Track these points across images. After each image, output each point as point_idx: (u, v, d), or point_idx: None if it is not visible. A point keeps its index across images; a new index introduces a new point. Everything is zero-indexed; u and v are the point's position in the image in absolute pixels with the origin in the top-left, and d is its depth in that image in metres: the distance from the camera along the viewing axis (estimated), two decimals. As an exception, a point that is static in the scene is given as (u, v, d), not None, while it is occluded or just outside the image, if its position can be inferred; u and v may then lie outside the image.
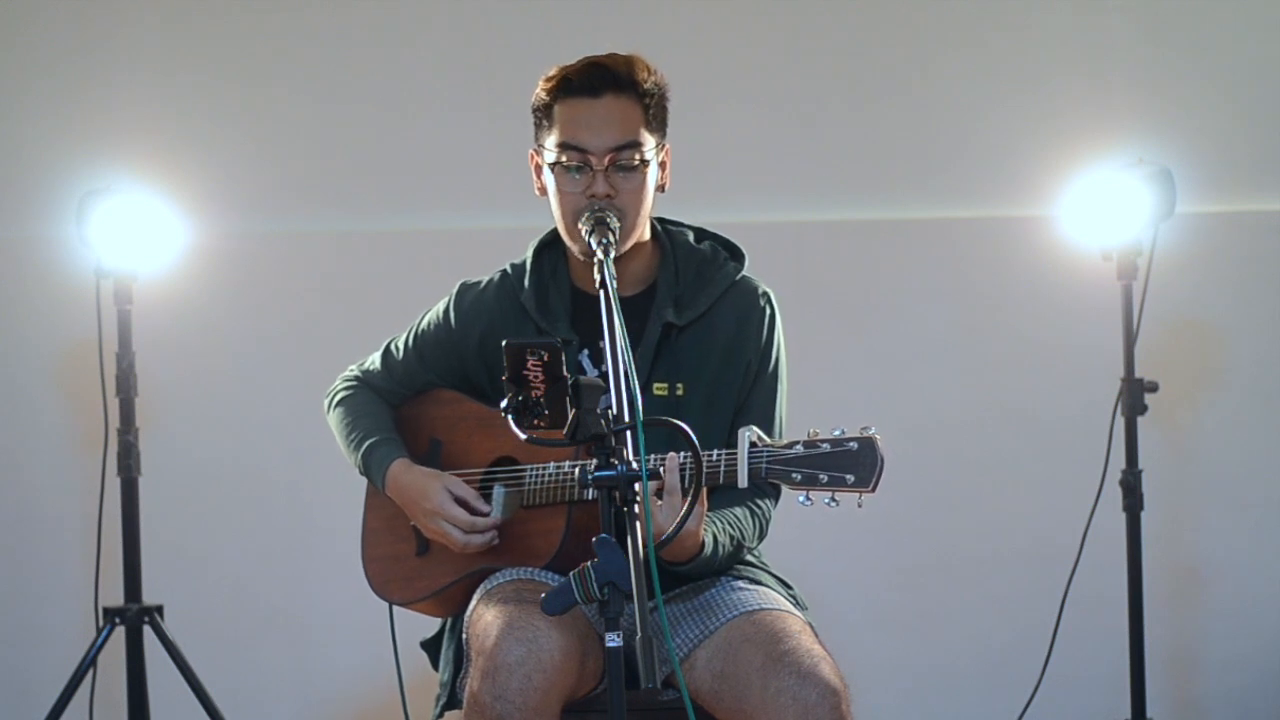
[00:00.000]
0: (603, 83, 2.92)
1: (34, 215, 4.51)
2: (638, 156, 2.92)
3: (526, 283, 3.06)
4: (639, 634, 2.36)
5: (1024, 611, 4.55)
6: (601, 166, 2.91)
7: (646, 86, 2.94)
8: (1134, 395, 4.22)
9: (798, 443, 2.67)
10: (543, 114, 2.97)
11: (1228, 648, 4.64)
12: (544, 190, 3.01)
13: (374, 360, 3.23)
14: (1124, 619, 4.24)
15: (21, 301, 4.58)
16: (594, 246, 2.80)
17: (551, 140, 2.95)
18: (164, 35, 4.60)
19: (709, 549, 2.85)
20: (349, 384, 3.24)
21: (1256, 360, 4.65)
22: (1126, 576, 4.23)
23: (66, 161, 4.47)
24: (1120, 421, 4.25)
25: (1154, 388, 4.23)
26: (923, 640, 4.63)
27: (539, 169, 3.01)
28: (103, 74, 4.57)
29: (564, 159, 2.92)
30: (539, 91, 2.97)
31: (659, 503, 2.71)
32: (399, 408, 3.20)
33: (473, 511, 2.99)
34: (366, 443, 3.12)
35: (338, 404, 3.22)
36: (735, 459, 2.69)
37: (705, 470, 2.72)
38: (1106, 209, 4.20)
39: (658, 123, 2.97)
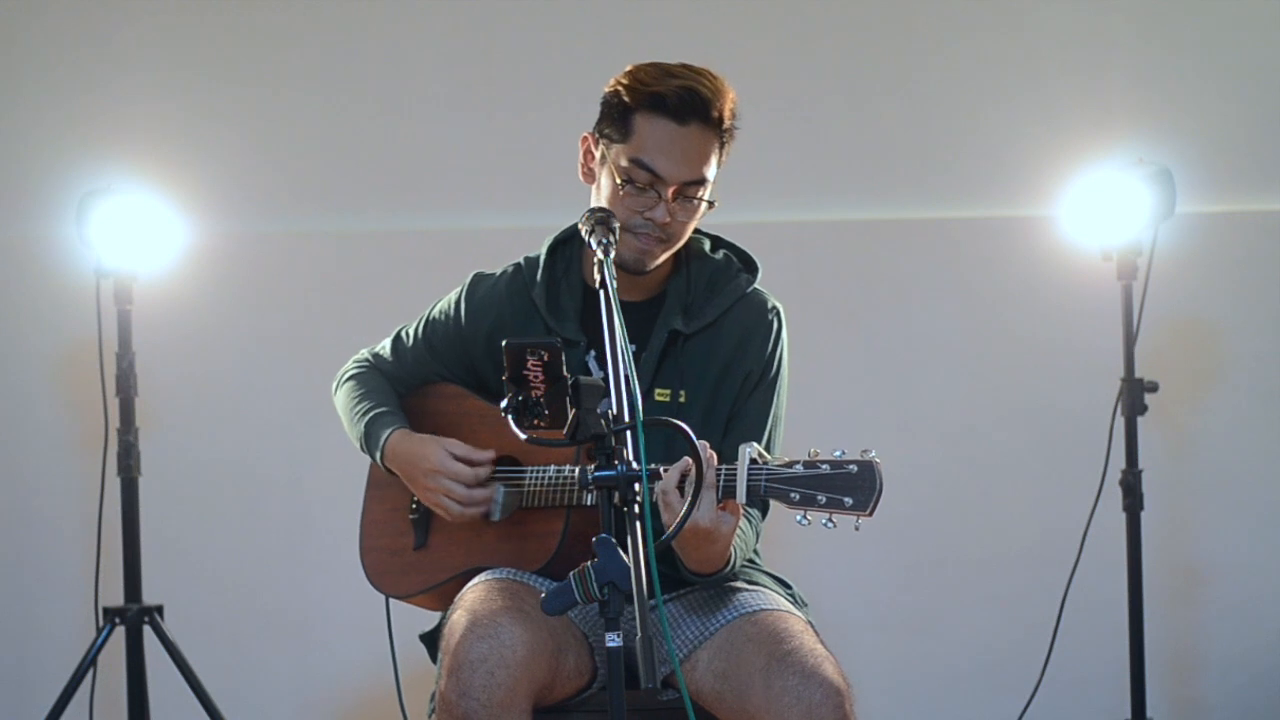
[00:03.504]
0: (693, 111, 2.89)
1: (34, 215, 4.51)
2: (702, 193, 2.92)
3: (538, 279, 3.06)
4: (639, 634, 2.36)
5: (1024, 611, 4.55)
6: (670, 197, 2.90)
7: (726, 124, 2.92)
8: (1134, 395, 4.22)
9: (797, 462, 2.66)
10: (619, 115, 2.93)
11: (1228, 648, 4.64)
12: (590, 176, 2.99)
13: (384, 346, 3.23)
14: (1124, 619, 4.24)
15: (21, 301, 4.58)
16: (594, 247, 2.79)
17: (625, 148, 2.91)
18: (164, 35, 4.60)
19: (731, 563, 2.86)
20: (360, 365, 3.24)
21: (1256, 360, 4.65)
22: (1126, 576, 4.23)
23: (66, 161, 4.47)
24: (1120, 421, 4.25)
25: (1154, 388, 4.23)
26: (923, 640, 4.63)
27: (590, 155, 2.98)
28: (103, 74, 4.57)
29: (633, 176, 2.90)
30: (620, 89, 2.92)
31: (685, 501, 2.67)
32: (403, 399, 3.20)
33: (474, 464, 2.98)
34: (369, 415, 3.11)
35: (345, 381, 3.22)
36: (735, 474, 2.68)
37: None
38: (1106, 209, 4.20)
39: (724, 158, 2.96)
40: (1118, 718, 4.29)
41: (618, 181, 2.91)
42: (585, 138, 2.99)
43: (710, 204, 2.96)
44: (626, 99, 2.91)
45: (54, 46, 4.58)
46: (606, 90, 2.95)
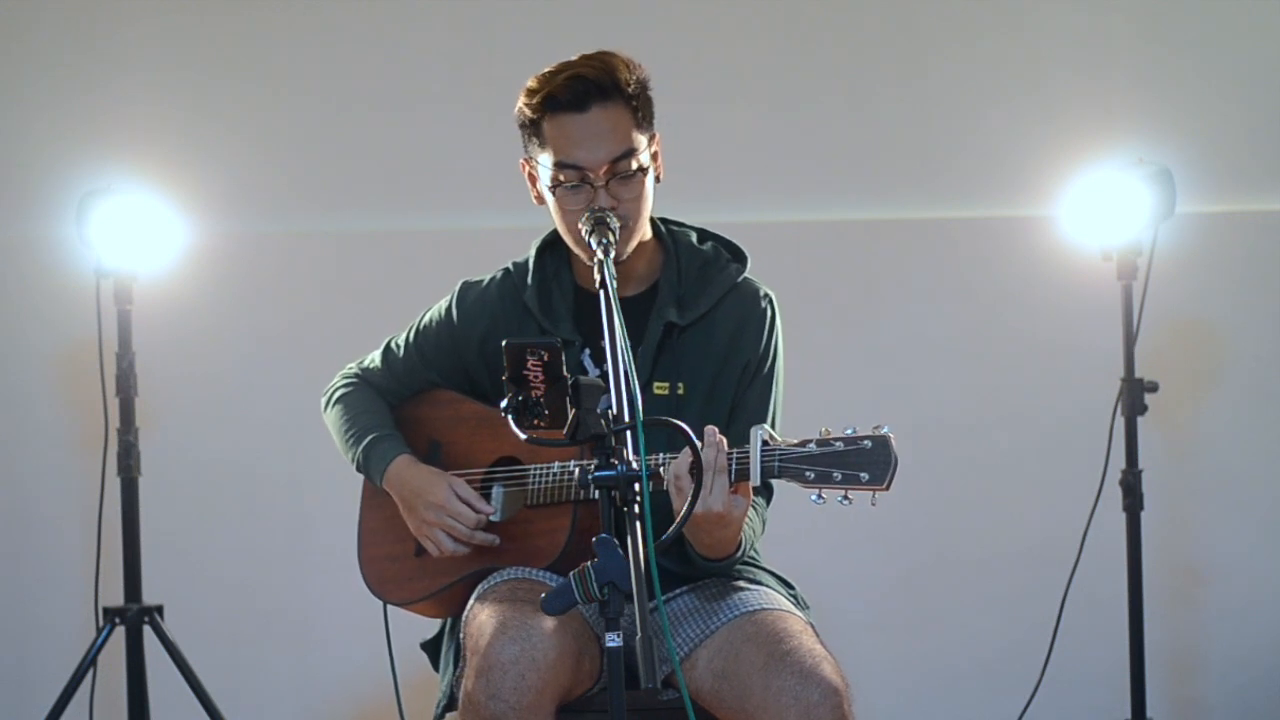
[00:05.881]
0: (587, 95, 2.89)
1: (34, 215, 4.52)
2: (635, 163, 2.91)
3: (529, 281, 3.06)
4: (639, 634, 2.36)
5: (1024, 611, 4.55)
6: (601, 182, 2.89)
7: (631, 89, 2.91)
8: (1134, 395, 4.22)
9: (810, 441, 2.67)
10: (531, 130, 2.95)
11: (1228, 648, 4.64)
12: (541, 199, 3.00)
13: (374, 358, 3.23)
14: (1124, 619, 4.24)
15: (21, 301, 4.58)
16: (594, 246, 2.80)
17: (546, 159, 2.92)
18: (164, 35, 4.60)
19: (741, 548, 2.86)
20: (348, 381, 3.23)
21: (1256, 360, 4.65)
22: (1126, 576, 4.23)
23: (66, 161, 4.47)
24: (1120, 421, 4.25)
25: (1154, 388, 4.23)
26: (923, 640, 4.64)
27: (533, 179, 3.00)
28: (103, 74, 4.58)
29: (562, 178, 2.91)
30: (522, 106, 2.94)
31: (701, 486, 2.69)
32: (397, 409, 3.20)
33: (476, 511, 3.00)
34: (368, 437, 3.11)
35: (336, 401, 3.21)
36: (748, 457, 2.69)
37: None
38: (1106, 209, 4.20)
39: (646, 119, 2.94)
40: (1118, 718, 4.29)
41: (554, 190, 2.92)
42: (522, 163, 3.00)
43: (655, 177, 2.95)
44: (530, 113, 2.93)
45: (54, 46, 4.58)
46: (515, 112, 2.96)
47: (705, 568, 2.91)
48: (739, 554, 2.87)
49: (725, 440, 2.70)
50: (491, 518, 3.02)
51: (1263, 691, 4.62)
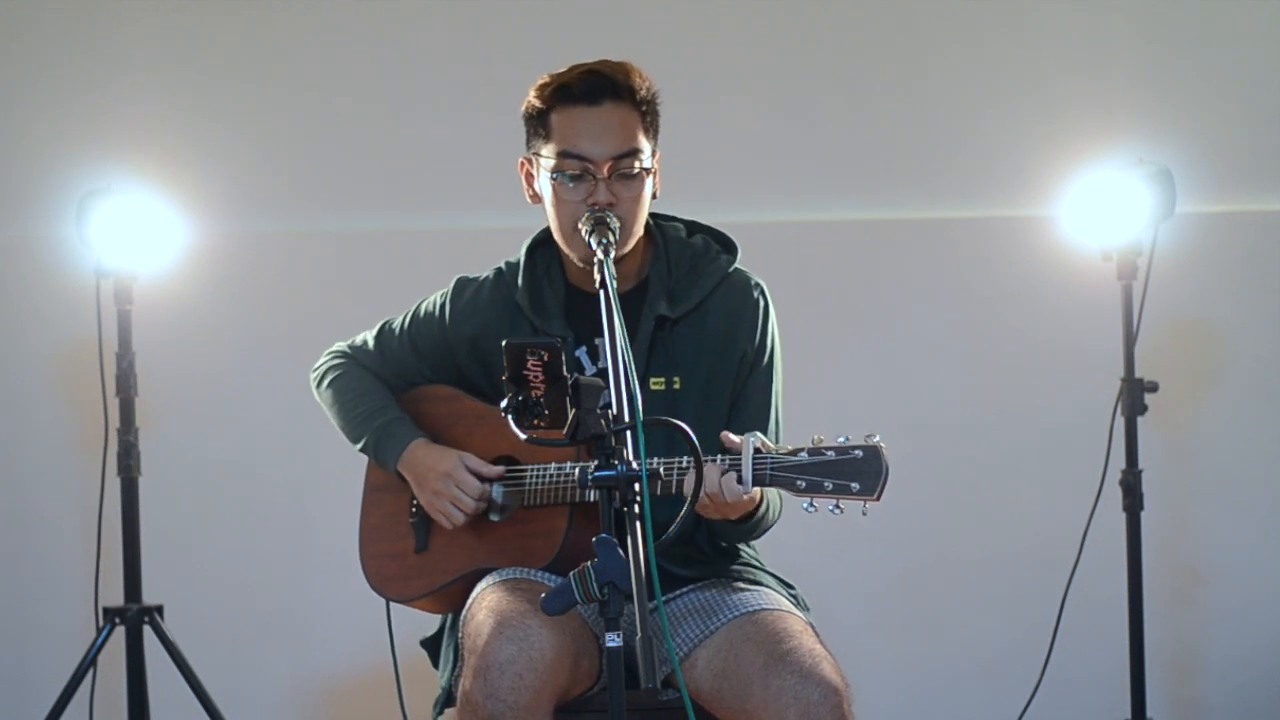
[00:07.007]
0: (601, 90, 2.92)
1: (34, 215, 4.52)
2: (638, 164, 2.92)
3: (520, 281, 3.06)
4: (639, 634, 2.36)
5: (1024, 611, 4.55)
6: (603, 175, 2.90)
7: (643, 95, 2.94)
8: (1134, 395, 4.22)
9: (802, 450, 2.68)
10: (538, 122, 2.96)
11: (1228, 648, 4.64)
12: (536, 198, 3.01)
13: (366, 339, 3.22)
14: (1124, 619, 4.24)
15: (21, 301, 4.58)
16: (594, 247, 2.80)
17: (549, 149, 2.93)
18: (164, 35, 4.60)
19: (764, 509, 2.87)
20: (340, 360, 3.22)
21: (1256, 360, 4.65)
22: (1126, 576, 4.23)
23: (66, 161, 4.47)
24: (1120, 421, 4.25)
25: (1154, 388, 4.23)
26: (923, 641, 4.64)
27: (530, 177, 3.00)
28: (103, 74, 4.58)
29: (564, 167, 2.92)
30: (532, 99, 2.96)
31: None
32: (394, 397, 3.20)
33: (483, 477, 2.99)
34: (379, 419, 3.10)
35: (331, 381, 3.20)
36: (739, 464, 2.69)
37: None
38: (1106, 209, 4.20)
39: (653, 130, 2.97)
40: (1118, 718, 4.29)
41: (554, 180, 2.92)
42: (521, 162, 3.01)
43: (653, 192, 2.96)
44: (539, 104, 2.95)
45: (54, 46, 4.59)
46: (522, 108, 2.98)
47: (730, 533, 2.92)
48: (762, 513, 2.88)
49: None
50: (491, 517, 3.02)
51: (1263, 691, 4.62)
